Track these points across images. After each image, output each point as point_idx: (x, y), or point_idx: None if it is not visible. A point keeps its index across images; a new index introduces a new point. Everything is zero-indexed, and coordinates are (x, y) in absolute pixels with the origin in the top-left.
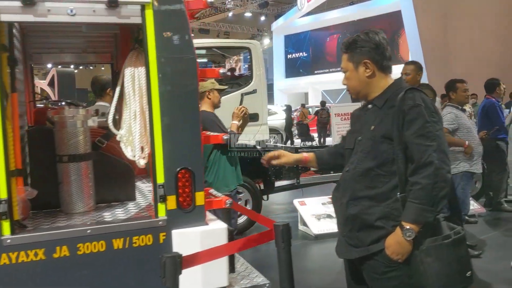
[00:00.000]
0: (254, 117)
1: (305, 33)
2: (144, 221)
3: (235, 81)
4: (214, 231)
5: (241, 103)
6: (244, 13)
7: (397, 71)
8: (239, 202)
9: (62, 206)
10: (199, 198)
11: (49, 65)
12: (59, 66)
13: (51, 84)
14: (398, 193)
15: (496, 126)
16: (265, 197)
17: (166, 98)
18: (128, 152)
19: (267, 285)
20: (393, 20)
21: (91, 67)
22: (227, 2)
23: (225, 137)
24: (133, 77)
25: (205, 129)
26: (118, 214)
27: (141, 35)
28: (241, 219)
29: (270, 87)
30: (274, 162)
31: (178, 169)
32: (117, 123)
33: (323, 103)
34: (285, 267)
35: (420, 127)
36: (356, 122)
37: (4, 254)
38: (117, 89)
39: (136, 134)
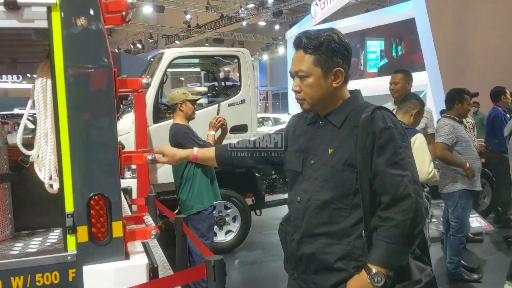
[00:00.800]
0: (243, 129)
1: None
2: (49, 256)
3: (224, 91)
4: (132, 267)
5: (218, 113)
6: (259, 22)
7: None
8: (226, 219)
9: None
10: (117, 228)
11: None
12: None
13: None
14: (363, 231)
15: (496, 140)
16: (258, 212)
17: (74, 113)
18: (40, 174)
19: None
20: (407, 28)
21: None
22: (240, 11)
23: (150, 157)
24: (45, 89)
25: (178, 144)
26: (31, 245)
27: None
28: (230, 236)
29: (284, 96)
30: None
31: (90, 195)
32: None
33: None
34: None
35: (393, 153)
36: (301, 139)
37: None
38: (29, 103)
39: (47, 154)
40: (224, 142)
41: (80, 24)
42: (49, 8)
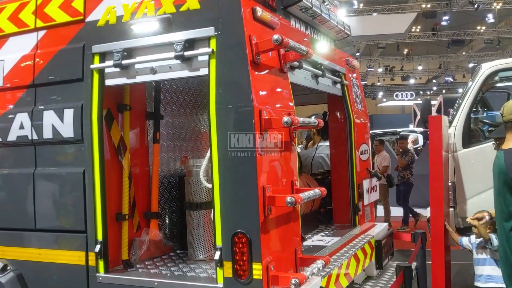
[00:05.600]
0: None
1: None
2: (201, 285)
3: None
4: None
5: None
6: None
7: None
8: None
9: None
10: (257, 270)
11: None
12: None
13: (438, 111)
14: None
15: None
16: None
17: (222, 153)
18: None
19: None
20: None
21: None
22: None
23: (289, 199)
24: None
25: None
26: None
27: None
28: None
29: None
30: None
31: (234, 232)
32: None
33: None
34: None
35: None
36: None
37: None
38: None
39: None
40: None
41: (228, 68)
42: (209, 56)
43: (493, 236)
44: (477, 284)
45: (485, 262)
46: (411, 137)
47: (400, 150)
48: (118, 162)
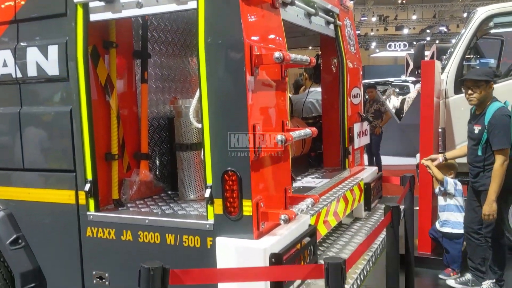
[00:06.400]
0: None
1: None
2: (192, 221)
3: None
4: (249, 249)
5: None
6: None
7: None
8: None
9: (179, 192)
10: (247, 207)
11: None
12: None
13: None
14: None
15: None
16: None
17: (211, 91)
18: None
19: None
20: None
21: None
22: None
23: (280, 137)
24: None
25: None
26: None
27: None
28: None
29: None
30: None
31: (224, 170)
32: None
33: None
34: None
35: None
36: None
37: (88, 228)
38: None
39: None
40: None
41: (217, 1)
42: None
43: (448, 180)
44: None
45: (445, 208)
46: (417, 86)
47: (369, 100)
48: (106, 101)
